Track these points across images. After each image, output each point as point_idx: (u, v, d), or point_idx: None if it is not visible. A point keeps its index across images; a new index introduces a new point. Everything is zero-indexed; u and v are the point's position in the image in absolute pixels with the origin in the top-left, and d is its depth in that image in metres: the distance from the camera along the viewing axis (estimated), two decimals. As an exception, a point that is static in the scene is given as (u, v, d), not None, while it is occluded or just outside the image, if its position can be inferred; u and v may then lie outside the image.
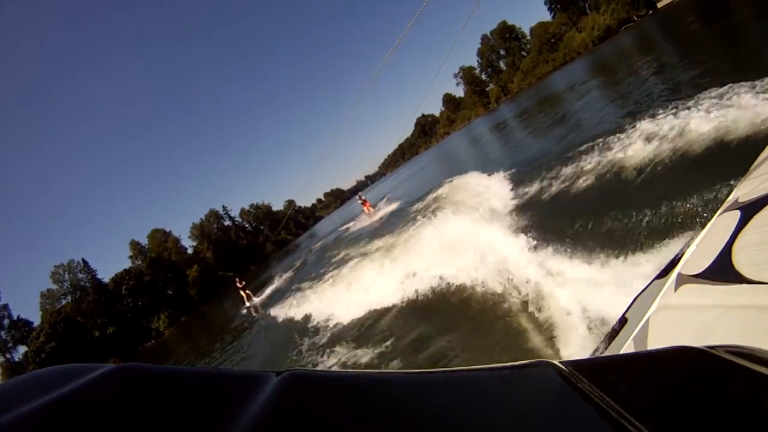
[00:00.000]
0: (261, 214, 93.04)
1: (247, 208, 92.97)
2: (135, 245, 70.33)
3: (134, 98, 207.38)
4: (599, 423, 0.38)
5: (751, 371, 0.47)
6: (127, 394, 0.31)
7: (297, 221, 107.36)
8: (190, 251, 75.86)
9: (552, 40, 68.42)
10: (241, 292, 21.02)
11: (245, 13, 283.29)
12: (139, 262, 68.95)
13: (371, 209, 19.31)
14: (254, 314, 16.05)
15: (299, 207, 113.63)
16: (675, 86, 8.76)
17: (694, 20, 22.08)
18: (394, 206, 17.17)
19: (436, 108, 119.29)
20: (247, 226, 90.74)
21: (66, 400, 0.29)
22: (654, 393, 0.45)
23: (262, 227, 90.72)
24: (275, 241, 71.59)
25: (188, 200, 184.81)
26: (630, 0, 54.35)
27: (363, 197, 21.42)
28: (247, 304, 19.68)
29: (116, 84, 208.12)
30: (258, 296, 20.03)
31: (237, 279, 23.08)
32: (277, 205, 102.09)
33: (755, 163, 1.61)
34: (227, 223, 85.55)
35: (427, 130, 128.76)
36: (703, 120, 5.28)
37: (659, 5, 49.88)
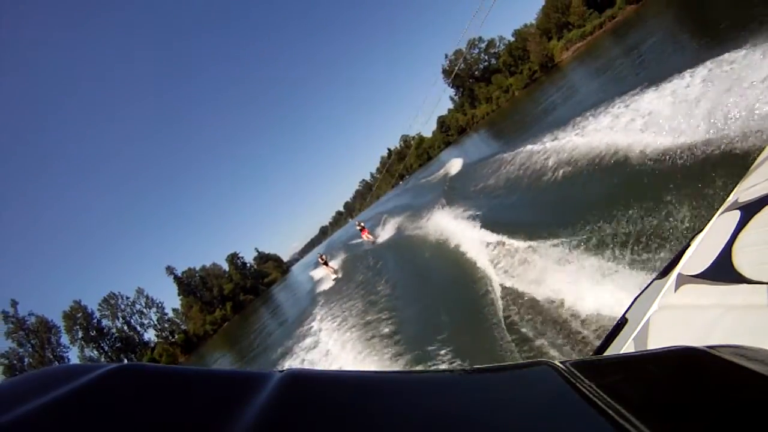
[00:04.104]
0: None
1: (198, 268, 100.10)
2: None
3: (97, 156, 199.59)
4: (600, 423, 0.38)
5: (751, 371, 0.47)
6: (128, 394, 0.31)
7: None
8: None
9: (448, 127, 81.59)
10: (325, 267, 20.08)
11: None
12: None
13: (370, 236, 20.45)
14: (337, 282, 16.21)
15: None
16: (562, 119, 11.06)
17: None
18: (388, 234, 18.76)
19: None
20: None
21: (66, 399, 0.29)
22: (655, 393, 0.46)
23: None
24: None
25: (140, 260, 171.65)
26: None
27: (362, 224, 22.44)
28: (333, 276, 18.33)
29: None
30: (339, 269, 18.81)
31: (320, 255, 22.10)
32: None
33: (755, 164, 1.57)
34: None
35: (364, 194, 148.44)
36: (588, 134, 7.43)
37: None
